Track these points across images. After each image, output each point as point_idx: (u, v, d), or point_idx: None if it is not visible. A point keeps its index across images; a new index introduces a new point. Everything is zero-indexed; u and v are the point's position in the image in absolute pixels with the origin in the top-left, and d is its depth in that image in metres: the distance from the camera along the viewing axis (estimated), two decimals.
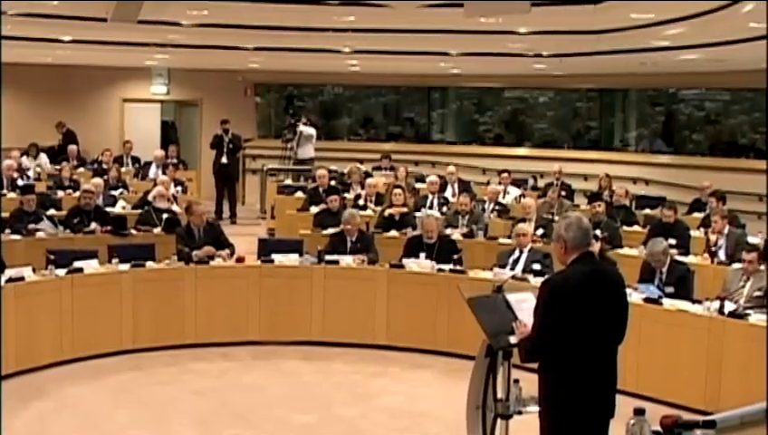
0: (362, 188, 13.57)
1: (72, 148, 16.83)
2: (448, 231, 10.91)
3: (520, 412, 4.98)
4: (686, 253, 10.22)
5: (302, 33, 12.50)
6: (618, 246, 10.64)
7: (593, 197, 11.99)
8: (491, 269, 9.09)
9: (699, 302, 7.73)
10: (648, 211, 13.08)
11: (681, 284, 8.40)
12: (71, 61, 17.79)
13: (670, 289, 8.27)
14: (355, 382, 8.19)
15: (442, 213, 12.22)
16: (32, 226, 10.53)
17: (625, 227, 11.61)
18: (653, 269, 8.53)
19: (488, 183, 15.27)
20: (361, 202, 12.89)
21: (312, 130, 17.04)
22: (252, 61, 17.09)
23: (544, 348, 4.38)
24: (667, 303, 7.86)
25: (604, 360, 4.43)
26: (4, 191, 13.02)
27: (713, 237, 10.35)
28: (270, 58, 16.26)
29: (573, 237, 4.43)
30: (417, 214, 11.73)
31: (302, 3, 10.65)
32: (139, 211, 11.61)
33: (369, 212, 12.19)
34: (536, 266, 8.90)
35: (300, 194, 13.94)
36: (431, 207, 12.70)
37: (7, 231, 10.26)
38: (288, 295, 9.18)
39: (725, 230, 10.34)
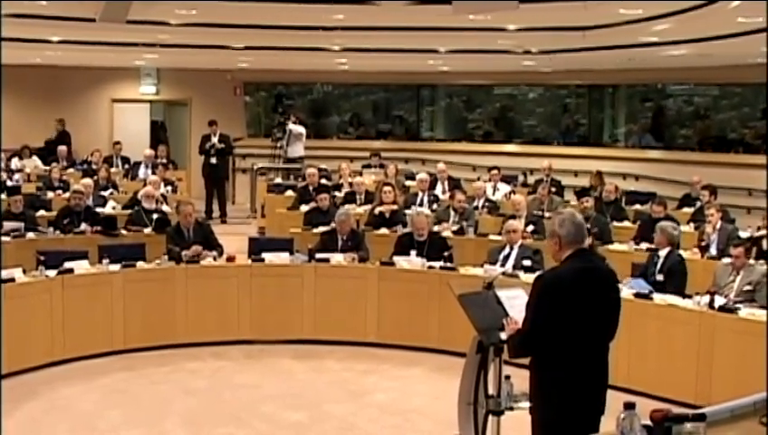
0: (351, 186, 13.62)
1: (61, 148, 16.80)
2: (438, 226, 10.92)
3: (511, 408, 4.99)
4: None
5: (291, 32, 12.49)
6: (607, 241, 10.69)
7: (582, 192, 12.02)
8: (481, 266, 9.11)
9: (690, 296, 7.76)
10: (637, 207, 13.13)
11: (672, 273, 8.52)
12: (59, 61, 17.74)
13: (660, 277, 8.40)
14: (346, 380, 8.20)
15: (432, 210, 12.23)
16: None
17: (614, 223, 11.66)
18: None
19: (478, 179, 15.29)
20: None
21: (301, 129, 17.02)
22: (241, 60, 17.07)
23: (534, 344, 4.39)
24: (658, 298, 7.89)
25: (595, 356, 4.44)
26: None
27: (708, 230, 10.36)
28: (259, 57, 16.26)
29: (567, 233, 4.43)
30: (408, 211, 11.73)
31: (290, 1, 10.64)
32: (129, 211, 11.58)
33: (359, 210, 12.20)
34: (526, 263, 8.93)
35: (290, 193, 13.95)
36: (421, 205, 12.70)
37: None
38: (279, 294, 9.18)
39: (718, 225, 10.38)
